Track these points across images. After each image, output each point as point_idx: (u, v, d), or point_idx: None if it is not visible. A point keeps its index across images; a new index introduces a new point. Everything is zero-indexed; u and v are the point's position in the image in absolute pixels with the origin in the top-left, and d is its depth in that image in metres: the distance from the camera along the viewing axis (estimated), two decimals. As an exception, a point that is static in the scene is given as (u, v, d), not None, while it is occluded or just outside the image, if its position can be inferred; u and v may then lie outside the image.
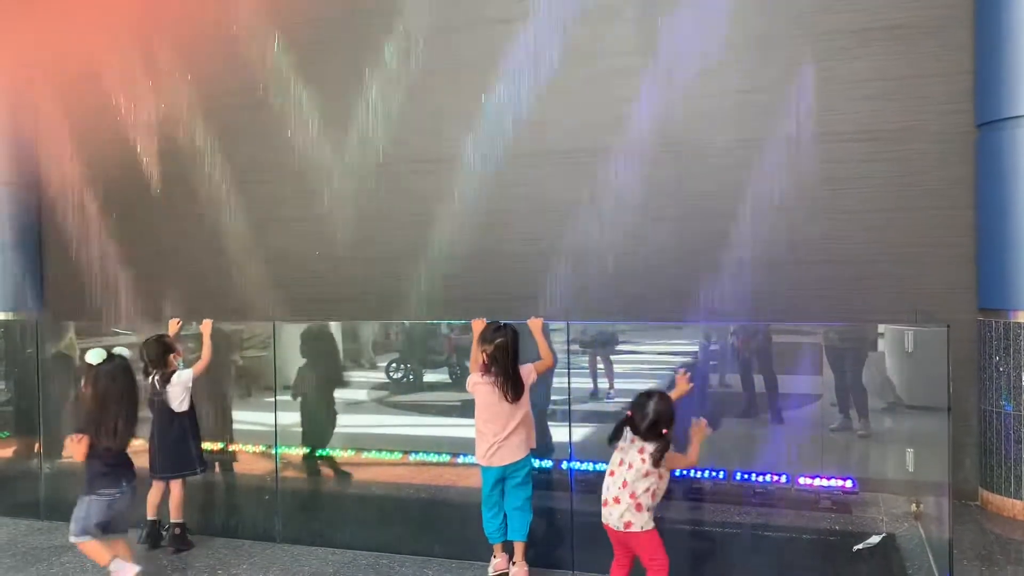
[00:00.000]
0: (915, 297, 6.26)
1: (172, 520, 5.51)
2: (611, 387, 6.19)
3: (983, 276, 6.17)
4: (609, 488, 4.24)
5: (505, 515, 4.96)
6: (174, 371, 5.44)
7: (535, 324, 5.09)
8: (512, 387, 4.80)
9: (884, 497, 5.93)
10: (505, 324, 4.92)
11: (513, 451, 4.86)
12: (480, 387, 4.89)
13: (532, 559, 4.99)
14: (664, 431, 4.13)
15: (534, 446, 5.04)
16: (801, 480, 5.92)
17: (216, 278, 8.34)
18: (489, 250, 7.54)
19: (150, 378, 5.43)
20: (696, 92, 6.95)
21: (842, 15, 6.62)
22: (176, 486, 5.48)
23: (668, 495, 5.99)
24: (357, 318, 7.62)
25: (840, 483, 5.80)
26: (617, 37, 7.20)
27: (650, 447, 4.15)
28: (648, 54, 7.07)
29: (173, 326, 5.75)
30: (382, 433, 6.70)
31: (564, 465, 5.56)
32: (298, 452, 6.27)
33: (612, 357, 6.26)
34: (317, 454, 6.32)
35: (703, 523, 5.79)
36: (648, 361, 6.52)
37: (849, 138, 6.60)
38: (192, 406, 5.51)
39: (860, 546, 5.23)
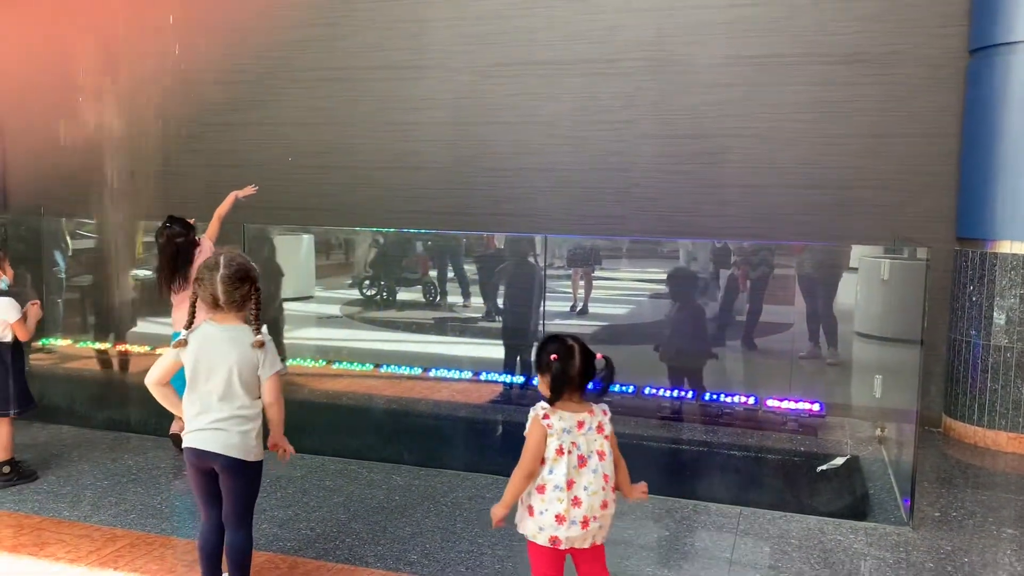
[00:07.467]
0: (894, 224, 6.22)
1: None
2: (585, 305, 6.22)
3: (963, 205, 6.13)
4: (589, 497, 2.86)
5: None
6: None
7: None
8: (168, 279, 5.04)
9: (850, 421, 6.04)
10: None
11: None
12: None
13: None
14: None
15: None
16: (769, 402, 6.01)
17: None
18: (467, 162, 7.37)
19: None
20: (685, 6, 6.73)
21: (838, -69, 6.39)
22: (2, 424, 4.96)
23: (638, 413, 6.11)
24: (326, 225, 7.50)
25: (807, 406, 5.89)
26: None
27: (604, 407, 2.99)
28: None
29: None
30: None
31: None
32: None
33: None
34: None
35: (671, 440, 5.87)
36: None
37: (837, 60, 6.43)
38: (15, 340, 4.89)
39: (824, 467, 5.33)
